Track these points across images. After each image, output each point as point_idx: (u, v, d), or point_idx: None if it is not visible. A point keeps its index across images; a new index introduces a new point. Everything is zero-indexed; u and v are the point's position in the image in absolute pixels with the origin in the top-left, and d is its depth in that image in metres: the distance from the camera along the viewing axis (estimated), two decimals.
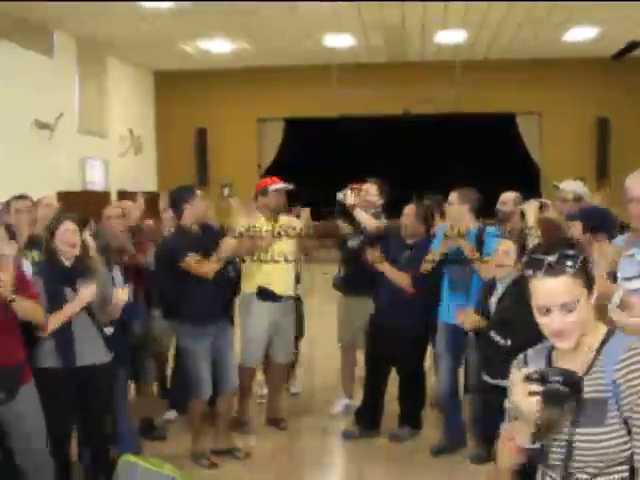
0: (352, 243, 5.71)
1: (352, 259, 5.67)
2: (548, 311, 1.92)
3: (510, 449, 1.99)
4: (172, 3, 9.92)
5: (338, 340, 6.03)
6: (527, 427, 1.89)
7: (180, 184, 5.29)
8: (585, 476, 1.91)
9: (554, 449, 1.95)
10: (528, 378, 1.84)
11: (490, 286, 4.48)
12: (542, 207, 5.19)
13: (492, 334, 4.20)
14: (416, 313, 5.14)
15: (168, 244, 5.00)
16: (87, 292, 4.01)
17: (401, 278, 5.19)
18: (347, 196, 5.64)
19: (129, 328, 4.80)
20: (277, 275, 5.38)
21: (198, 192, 5.02)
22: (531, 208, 5.08)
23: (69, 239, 4.05)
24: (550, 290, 1.90)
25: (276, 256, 5.33)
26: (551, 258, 1.91)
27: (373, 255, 5.21)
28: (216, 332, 4.91)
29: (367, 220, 5.57)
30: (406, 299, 5.17)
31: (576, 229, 4.38)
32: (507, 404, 2.10)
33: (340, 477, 5.17)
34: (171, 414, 5.81)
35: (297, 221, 5.59)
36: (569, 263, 1.91)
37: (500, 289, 4.38)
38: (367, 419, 5.47)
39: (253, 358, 5.47)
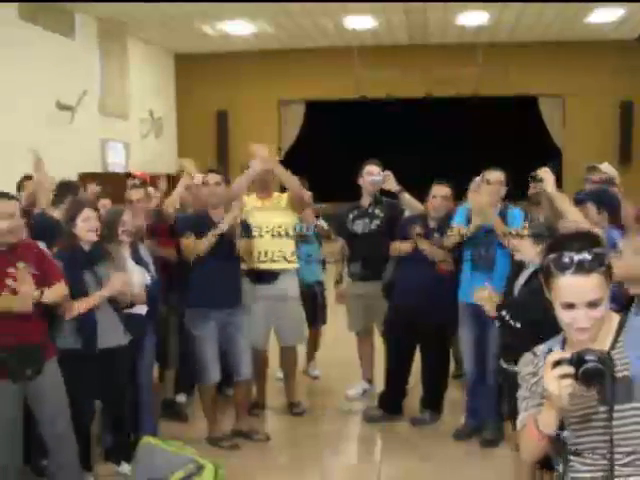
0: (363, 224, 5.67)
1: (360, 244, 5.66)
2: (572, 306, 1.87)
3: (534, 437, 1.91)
4: None
5: (350, 329, 6.01)
6: (555, 412, 1.83)
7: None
8: (619, 456, 1.88)
9: (587, 432, 1.91)
10: (560, 362, 1.79)
11: (518, 269, 4.18)
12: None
13: (503, 313, 3.94)
14: (441, 296, 5.10)
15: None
16: (117, 281, 4.09)
17: (441, 254, 5.12)
18: (389, 181, 5.60)
19: (155, 310, 4.78)
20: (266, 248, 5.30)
21: None
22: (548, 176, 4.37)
23: (90, 225, 4.14)
24: (579, 288, 1.86)
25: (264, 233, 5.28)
26: (581, 256, 1.86)
27: (413, 232, 5.17)
28: (224, 318, 4.89)
29: (416, 204, 5.53)
30: (430, 281, 5.13)
31: (590, 211, 4.28)
32: (520, 393, 2.06)
33: (359, 461, 5.16)
34: (181, 397, 5.80)
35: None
36: (600, 262, 1.86)
37: (527, 273, 4.06)
38: (390, 403, 5.48)
39: (257, 341, 5.34)
